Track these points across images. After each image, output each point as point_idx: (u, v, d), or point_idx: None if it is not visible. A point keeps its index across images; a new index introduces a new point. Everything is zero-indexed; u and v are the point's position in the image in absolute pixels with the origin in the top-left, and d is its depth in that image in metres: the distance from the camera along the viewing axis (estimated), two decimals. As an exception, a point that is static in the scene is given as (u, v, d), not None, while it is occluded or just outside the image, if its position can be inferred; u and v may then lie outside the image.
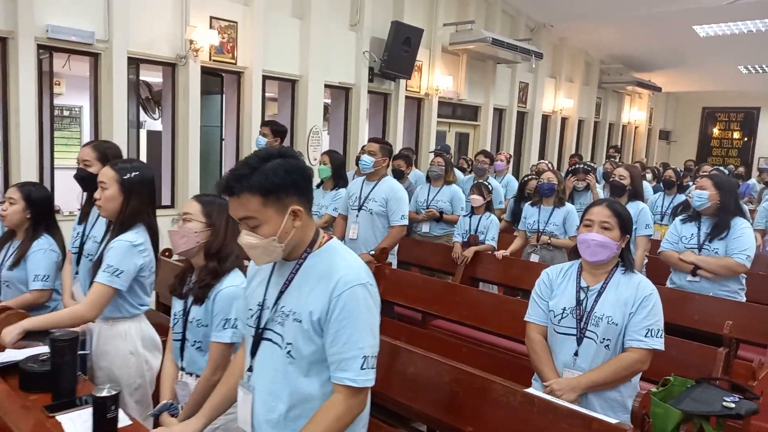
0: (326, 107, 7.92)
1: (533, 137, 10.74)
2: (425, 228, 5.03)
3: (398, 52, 7.35)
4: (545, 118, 11.17)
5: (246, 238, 1.49)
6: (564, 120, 11.69)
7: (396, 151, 6.13)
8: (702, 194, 3.45)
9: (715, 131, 15.73)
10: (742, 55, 11.24)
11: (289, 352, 1.50)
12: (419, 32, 7.54)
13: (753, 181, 9.98)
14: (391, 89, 7.90)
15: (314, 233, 1.58)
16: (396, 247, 4.04)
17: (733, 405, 2.03)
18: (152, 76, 7.44)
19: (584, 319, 2.16)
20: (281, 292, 1.54)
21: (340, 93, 7.51)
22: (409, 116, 8.71)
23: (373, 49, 7.43)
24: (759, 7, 8.76)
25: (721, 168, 5.54)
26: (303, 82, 6.75)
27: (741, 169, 8.95)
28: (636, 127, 14.19)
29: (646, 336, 2.09)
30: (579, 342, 2.17)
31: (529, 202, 4.64)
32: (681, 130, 16.21)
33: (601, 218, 2.19)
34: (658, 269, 3.94)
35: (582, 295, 2.20)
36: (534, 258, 4.41)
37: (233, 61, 6.11)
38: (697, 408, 2.06)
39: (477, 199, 4.57)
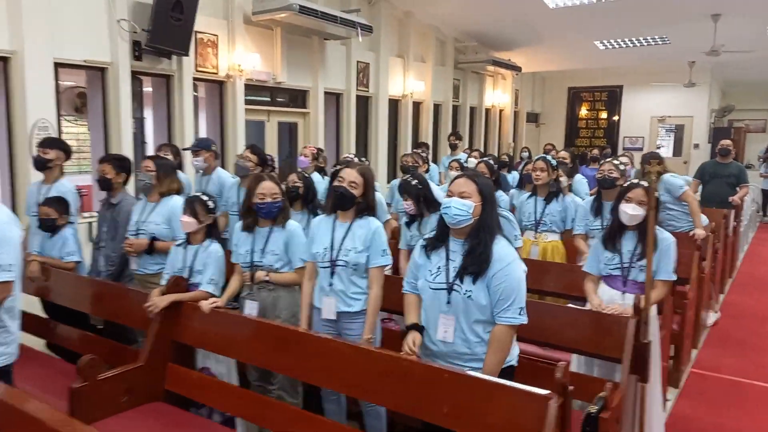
0: (83, 94, 6.11)
1: (379, 125, 9.44)
2: (134, 265, 3.47)
3: (167, 21, 5.68)
4: (394, 103, 9.91)
5: None
6: (417, 105, 10.51)
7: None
8: (465, 205, 2.19)
9: (583, 112, 15.37)
10: (597, 30, 10.59)
11: None
12: (195, -4, 5.91)
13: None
14: (172, 69, 6.22)
15: None
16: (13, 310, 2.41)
17: None
18: None
19: None
20: None
21: (97, 75, 5.74)
22: (211, 103, 7.08)
23: (137, 19, 5.71)
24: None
25: (565, 151, 4.51)
26: (17, 61, 4.91)
27: (595, 152, 8.18)
28: (501, 111, 13.38)
29: None
30: None
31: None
32: (549, 112, 15.73)
33: None
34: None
35: None
36: (249, 308, 2.97)
37: None
38: None
39: (188, 223, 3.06)
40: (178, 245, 3.15)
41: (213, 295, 2.96)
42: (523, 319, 2.22)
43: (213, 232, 3.13)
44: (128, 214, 3.53)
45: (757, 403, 3.82)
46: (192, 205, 3.04)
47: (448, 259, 2.25)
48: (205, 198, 3.10)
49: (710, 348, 4.78)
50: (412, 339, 2.24)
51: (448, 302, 2.24)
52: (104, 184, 3.63)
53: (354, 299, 2.78)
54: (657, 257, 2.94)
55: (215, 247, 3.07)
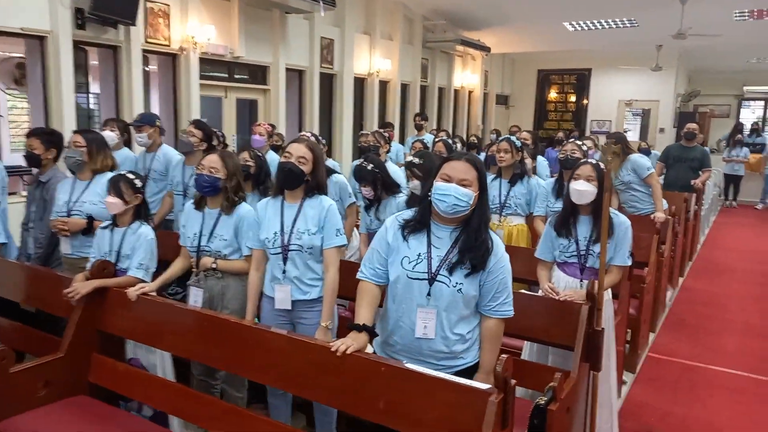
0: (22, 65, 5.74)
1: (344, 104, 9.19)
2: (66, 248, 3.22)
3: (111, -14, 5.34)
4: (360, 82, 9.66)
5: None
6: (384, 84, 10.28)
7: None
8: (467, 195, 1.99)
9: (552, 94, 15.32)
10: (566, 10, 10.47)
11: None
12: (142, -39, 5.57)
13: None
14: (119, 40, 5.86)
15: None
16: None
17: None
18: None
19: None
20: None
21: (36, 44, 5.37)
22: (164, 78, 6.74)
23: (79, -16, 5.35)
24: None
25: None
26: (-59, 26, 4.56)
27: (560, 135, 8.14)
28: (470, 92, 13.22)
29: None
30: None
31: None
32: (519, 94, 15.64)
33: None
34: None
35: None
36: (194, 296, 2.77)
37: None
38: None
39: (113, 204, 2.82)
40: (104, 227, 2.91)
41: (143, 281, 2.74)
42: (513, 311, 2.08)
43: (142, 213, 2.89)
44: (57, 193, 3.27)
45: (710, 388, 3.79)
46: (117, 185, 2.79)
47: (430, 245, 2.02)
48: (131, 176, 2.85)
49: (667, 332, 4.75)
50: (356, 348, 1.95)
51: (429, 294, 2.01)
52: (32, 160, 3.35)
53: (310, 286, 2.58)
54: (613, 242, 2.83)
55: (145, 230, 2.83)
